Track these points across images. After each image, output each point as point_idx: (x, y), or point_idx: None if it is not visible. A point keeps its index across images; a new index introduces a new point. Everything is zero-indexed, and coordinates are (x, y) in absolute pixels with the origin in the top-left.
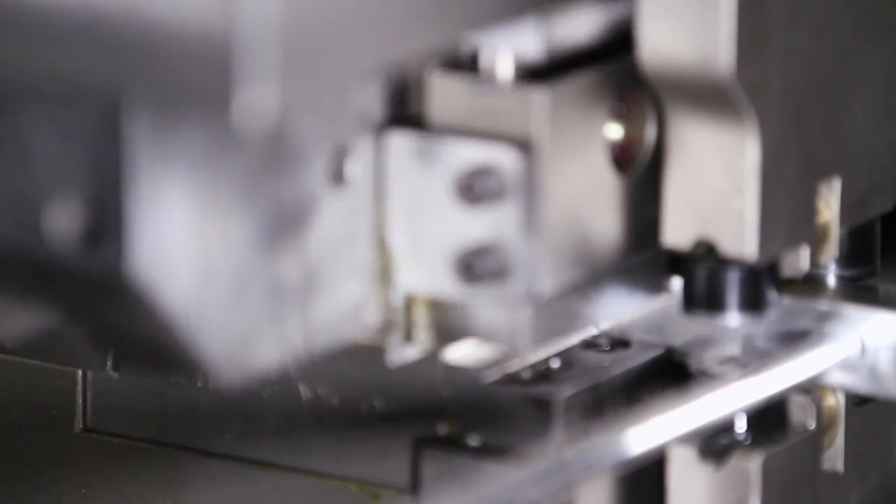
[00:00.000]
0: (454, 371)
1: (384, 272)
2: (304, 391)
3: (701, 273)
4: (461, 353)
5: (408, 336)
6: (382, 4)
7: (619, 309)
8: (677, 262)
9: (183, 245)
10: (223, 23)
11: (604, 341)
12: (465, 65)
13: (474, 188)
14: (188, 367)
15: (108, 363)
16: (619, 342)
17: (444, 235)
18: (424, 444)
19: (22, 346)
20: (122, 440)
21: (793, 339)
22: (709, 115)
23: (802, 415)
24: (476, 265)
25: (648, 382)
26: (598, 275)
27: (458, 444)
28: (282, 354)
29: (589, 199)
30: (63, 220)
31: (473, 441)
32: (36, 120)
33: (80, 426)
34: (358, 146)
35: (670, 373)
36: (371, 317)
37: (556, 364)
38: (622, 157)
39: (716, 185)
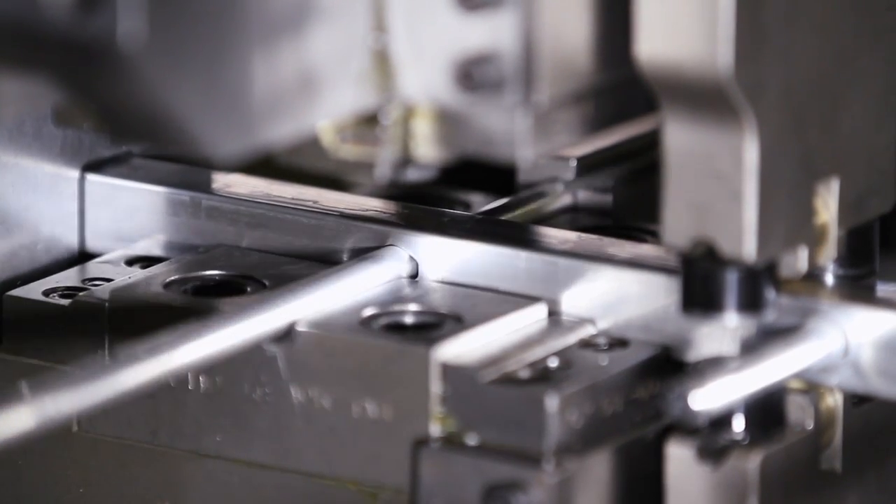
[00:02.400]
0: (452, 370)
1: (383, 80)
2: (295, 393)
3: (699, 273)
4: (459, 352)
5: (405, 148)
6: None
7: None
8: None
9: (178, 14)
10: None
11: (602, 341)
12: None
13: None
14: (183, 138)
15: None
16: (617, 341)
17: (443, 43)
18: (423, 444)
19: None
20: (118, 440)
21: (775, 336)
22: (707, 116)
23: (800, 414)
24: (475, 73)
25: (646, 382)
26: (593, 85)
27: (455, 444)
28: (278, 128)
29: (586, 9)
30: None
31: (471, 440)
32: None
33: (77, 426)
34: None
35: (669, 372)
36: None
37: (553, 363)
38: None
39: (714, 186)
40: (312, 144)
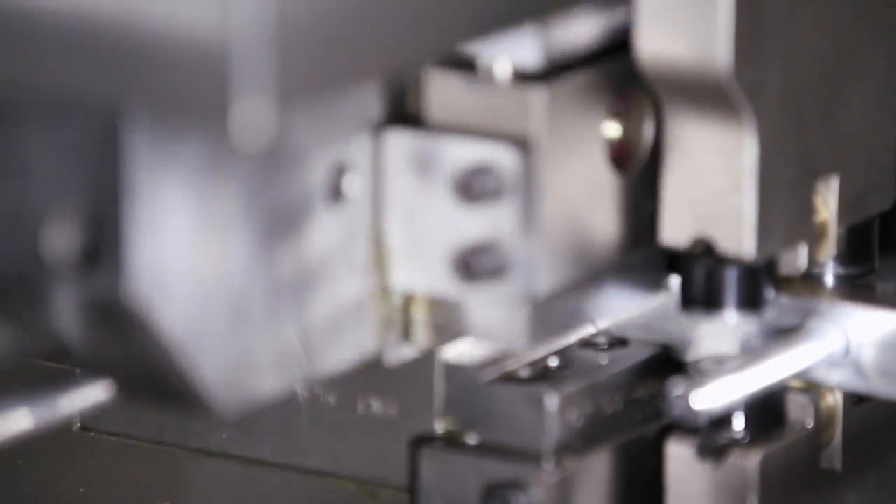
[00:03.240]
0: (453, 370)
1: (382, 271)
2: (300, 390)
3: (699, 271)
4: (459, 351)
5: (406, 335)
6: (379, 12)
7: (618, 308)
8: (675, 260)
9: (181, 267)
10: (220, 35)
11: (602, 340)
12: (463, 63)
13: (472, 187)
14: (186, 393)
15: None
16: (617, 341)
17: (442, 234)
18: (423, 443)
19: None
20: (120, 439)
21: (779, 336)
22: (707, 114)
23: (801, 413)
24: (474, 263)
25: (646, 381)
26: (596, 273)
27: (456, 443)
28: (282, 381)
29: (587, 197)
30: (60, 240)
31: (472, 440)
32: (32, 136)
33: (78, 425)
34: (356, 160)
35: (668, 371)
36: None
37: (554, 363)
38: (620, 155)
39: (714, 184)
40: None
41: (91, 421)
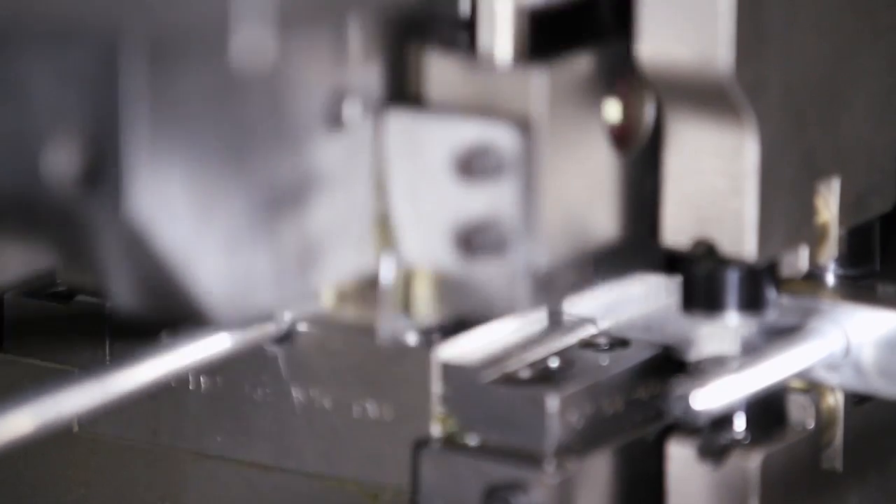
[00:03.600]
0: (453, 370)
1: (385, 246)
2: (296, 393)
3: (700, 273)
4: (459, 352)
5: (406, 310)
6: None
7: (615, 285)
8: (676, 261)
9: (180, 186)
10: None
11: (603, 340)
12: (463, 42)
13: (473, 166)
14: (187, 308)
15: (107, 358)
16: (617, 341)
17: (443, 211)
18: (423, 444)
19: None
20: (118, 441)
21: (779, 336)
22: (708, 115)
23: (801, 414)
24: (475, 239)
25: (647, 381)
26: (594, 250)
27: (456, 444)
28: (281, 295)
29: (587, 176)
30: (61, 161)
31: (472, 440)
32: (33, 61)
33: (77, 427)
34: (358, 87)
35: (669, 372)
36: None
37: (554, 363)
38: (620, 136)
39: (715, 185)
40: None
41: (89, 424)
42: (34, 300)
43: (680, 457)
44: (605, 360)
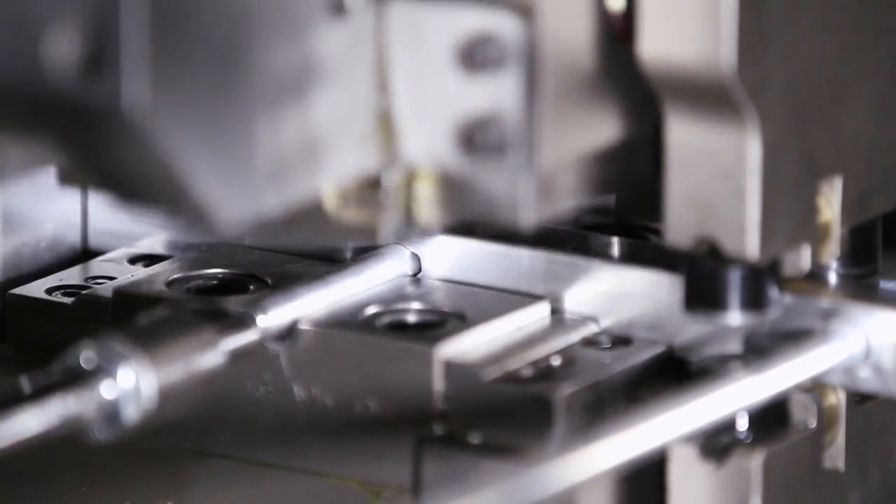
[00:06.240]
0: (454, 369)
1: (387, 142)
2: (298, 392)
3: (702, 272)
4: (461, 350)
5: (408, 212)
6: None
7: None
8: (678, 260)
9: (183, 77)
10: None
11: (605, 339)
12: None
13: (474, 56)
14: (185, 205)
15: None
16: (620, 340)
17: (444, 105)
18: (425, 442)
19: None
20: (120, 440)
21: (796, 338)
22: (710, 114)
23: (803, 413)
24: (477, 136)
25: (650, 380)
26: (598, 147)
27: (458, 443)
28: (282, 194)
29: (590, 69)
30: (61, 50)
31: (474, 439)
32: None
33: None
34: None
35: (672, 371)
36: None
37: (556, 362)
38: (624, 27)
39: (717, 184)
40: (314, 209)
41: None
42: (36, 297)
43: (681, 456)
44: (607, 358)
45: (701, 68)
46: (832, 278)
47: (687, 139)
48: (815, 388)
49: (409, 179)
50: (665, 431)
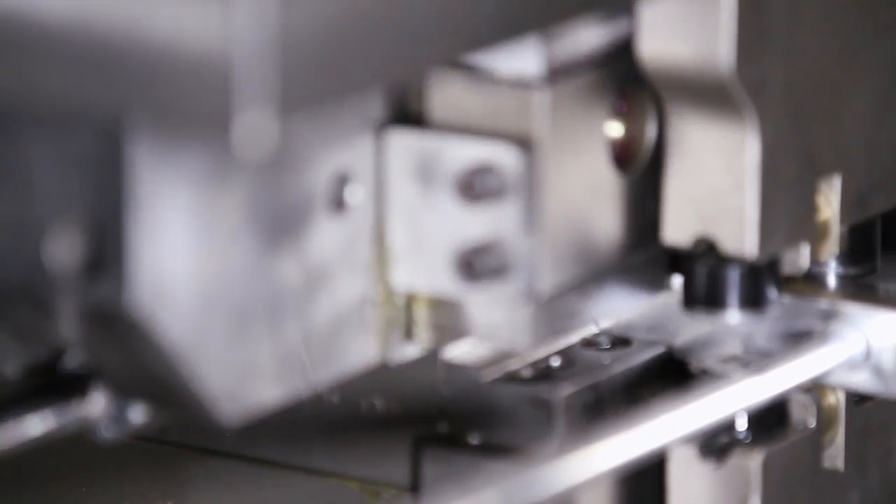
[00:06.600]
0: (454, 370)
1: (384, 272)
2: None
3: (701, 271)
4: (461, 351)
5: (408, 334)
6: (379, 22)
7: (620, 307)
8: (677, 259)
9: (183, 276)
10: (222, 48)
11: (604, 340)
12: (466, 63)
13: (475, 186)
14: (188, 400)
15: None
16: (619, 340)
17: (444, 233)
18: (425, 442)
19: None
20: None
21: (796, 338)
22: (709, 113)
23: (803, 413)
24: (476, 263)
25: (649, 381)
26: (598, 273)
27: (458, 443)
28: (284, 388)
29: (589, 197)
30: (63, 250)
31: (474, 440)
32: (35, 148)
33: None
34: (359, 169)
35: (671, 371)
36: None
37: (556, 363)
38: (623, 155)
39: (716, 183)
40: None
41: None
42: None
43: (681, 456)
44: (606, 359)
45: (700, 67)
46: (831, 279)
47: (686, 138)
48: (815, 388)
49: (408, 303)
50: (665, 432)
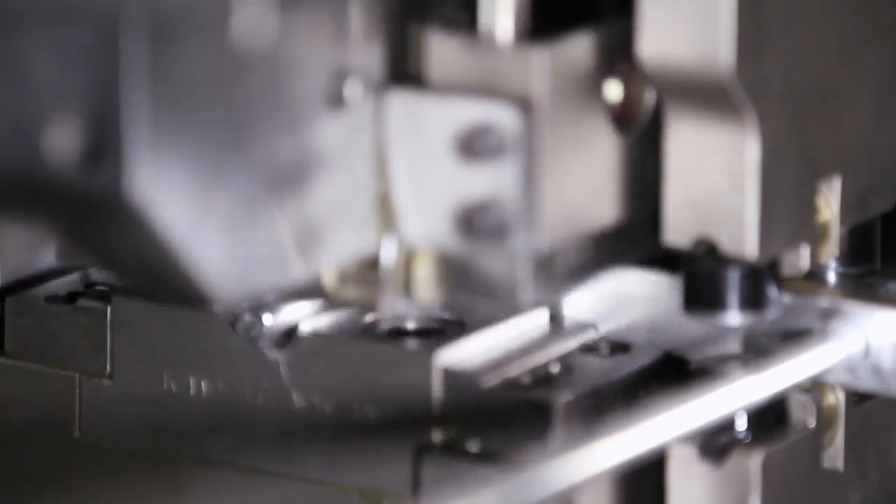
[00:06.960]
0: (453, 376)
1: (386, 227)
2: (297, 399)
3: (701, 272)
4: (459, 357)
5: (407, 290)
6: None
7: (616, 267)
8: (677, 261)
9: (181, 165)
10: None
11: (603, 345)
12: (464, 21)
13: (474, 146)
14: (186, 288)
15: (107, 369)
16: (618, 346)
17: (444, 191)
18: (424, 449)
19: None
20: (119, 447)
21: (795, 337)
22: (709, 114)
23: (802, 413)
24: (476, 220)
25: (648, 386)
26: (595, 232)
27: (457, 450)
28: (281, 275)
29: (588, 157)
30: (62, 141)
31: (473, 446)
32: (34, 40)
33: (78, 433)
34: (359, 67)
35: (670, 376)
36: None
37: (555, 369)
38: (621, 116)
39: (716, 184)
40: (313, 286)
41: (90, 429)
42: (35, 303)
43: (681, 455)
44: (605, 365)
45: (700, 68)
46: (831, 278)
47: (686, 139)
48: (815, 387)
49: (408, 260)
50: (664, 431)
